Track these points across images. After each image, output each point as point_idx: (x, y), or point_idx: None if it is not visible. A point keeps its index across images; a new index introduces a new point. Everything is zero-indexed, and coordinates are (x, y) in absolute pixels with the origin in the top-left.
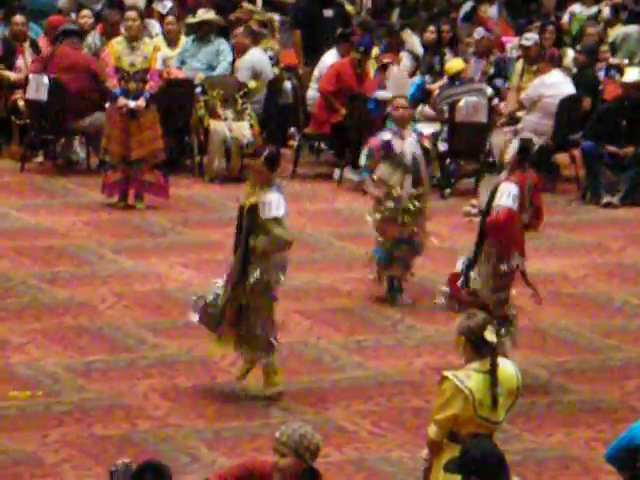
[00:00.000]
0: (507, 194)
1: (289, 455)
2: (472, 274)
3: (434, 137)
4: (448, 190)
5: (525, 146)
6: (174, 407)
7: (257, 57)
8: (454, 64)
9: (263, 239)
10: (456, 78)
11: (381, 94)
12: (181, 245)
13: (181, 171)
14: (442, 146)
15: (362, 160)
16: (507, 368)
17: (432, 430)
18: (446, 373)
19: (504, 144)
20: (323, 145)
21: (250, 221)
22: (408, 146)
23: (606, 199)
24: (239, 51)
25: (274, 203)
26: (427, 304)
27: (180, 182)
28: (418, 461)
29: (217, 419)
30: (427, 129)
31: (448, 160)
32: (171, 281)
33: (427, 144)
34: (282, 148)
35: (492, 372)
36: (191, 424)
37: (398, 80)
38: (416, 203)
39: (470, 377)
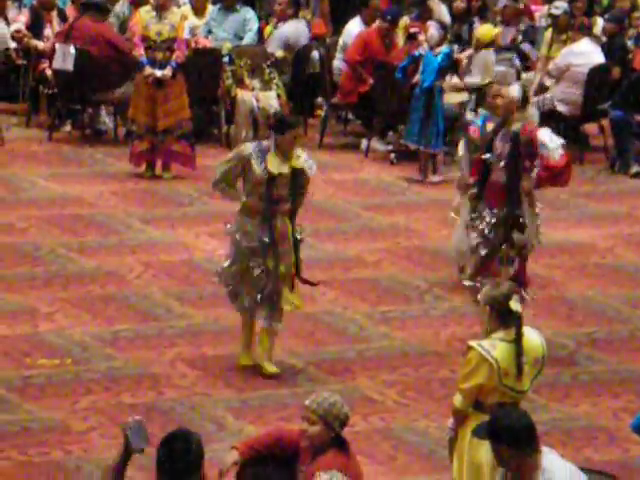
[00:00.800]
0: (552, 135)
1: (318, 423)
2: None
3: (462, 106)
4: None
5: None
6: (201, 376)
7: (293, 28)
8: (486, 31)
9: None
10: (490, 46)
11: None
12: (208, 215)
13: (208, 141)
14: (470, 115)
15: (460, 150)
16: (532, 337)
17: (457, 399)
18: (471, 342)
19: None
20: (350, 115)
21: (296, 184)
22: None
23: (635, 169)
24: (277, 18)
25: (310, 159)
26: (453, 274)
27: (207, 152)
28: (444, 430)
29: (244, 388)
30: (455, 98)
31: None
32: (198, 251)
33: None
34: (309, 118)
35: (517, 341)
36: (218, 393)
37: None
38: None
39: (495, 347)
